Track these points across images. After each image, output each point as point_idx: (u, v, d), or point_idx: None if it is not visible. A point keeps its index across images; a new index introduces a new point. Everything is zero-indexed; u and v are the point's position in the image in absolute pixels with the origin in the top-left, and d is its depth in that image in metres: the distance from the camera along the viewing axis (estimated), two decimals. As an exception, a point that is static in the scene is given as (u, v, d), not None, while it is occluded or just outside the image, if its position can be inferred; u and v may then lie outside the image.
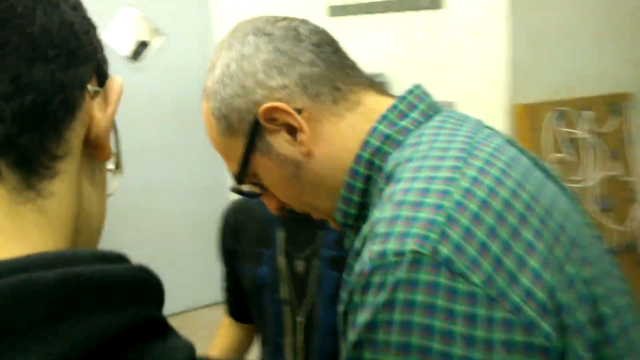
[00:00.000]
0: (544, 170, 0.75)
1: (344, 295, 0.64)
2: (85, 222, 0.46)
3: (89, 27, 0.47)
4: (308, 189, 0.77)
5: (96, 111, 0.46)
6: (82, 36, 0.45)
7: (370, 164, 0.72)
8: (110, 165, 0.52)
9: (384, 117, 0.73)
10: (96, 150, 0.47)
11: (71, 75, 0.43)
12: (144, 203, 3.40)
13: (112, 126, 0.48)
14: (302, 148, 0.74)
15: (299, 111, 0.73)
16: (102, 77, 0.48)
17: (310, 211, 0.83)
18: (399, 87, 2.72)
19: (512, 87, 2.23)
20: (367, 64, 2.76)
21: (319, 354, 1.16)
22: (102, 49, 0.49)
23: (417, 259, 0.57)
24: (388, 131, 0.72)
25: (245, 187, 0.82)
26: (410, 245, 0.58)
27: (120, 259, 0.40)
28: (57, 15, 0.43)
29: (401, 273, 0.57)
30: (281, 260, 1.16)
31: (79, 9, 0.46)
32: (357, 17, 2.81)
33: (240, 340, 1.37)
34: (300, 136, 0.74)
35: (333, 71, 0.75)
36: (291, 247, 1.16)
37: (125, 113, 3.27)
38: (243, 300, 1.27)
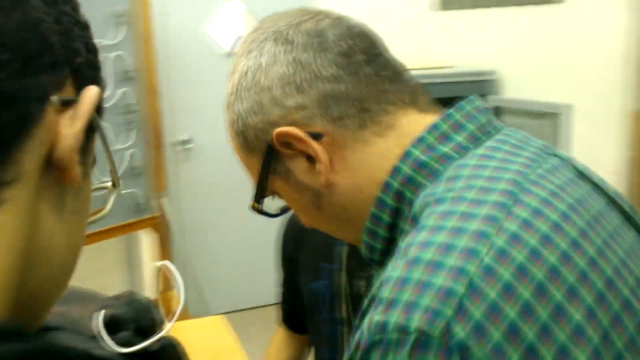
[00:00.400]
0: (625, 212, 0.59)
1: None
2: (42, 260, 0.39)
3: (69, 26, 0.39)
4: (330, 219, 0.68)
5: (63, 127, 0.38)
6: (52, 37, 0.37)
7: (399, 195, 0.60)
8: (106, 183, 0.45)
9: (420, 140, 0.60)
10: (62, 173, 0.39)
11: (28, 85, 0.36)
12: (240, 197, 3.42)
13: (95, 141, 0.41)
14: (320, 178, 0.63)
15: (319, 136, 0.62)
16: (84, 85, 0.40)
17: (336, 237, 0.73)
18: (511, 86, 2.54)
19: (638, 91, 2.00)
20: (478, 60, 2.61)
21: None
22: (93, 51, 0.42)
23: (423, 341, 0.45)
24: (423, 157, 0.59)
25: (266, 205, 0.72)
26: (417, 321, 0.46)
27: (14, 335, 0.32)
28: (20, 12, 0.36)
29: (402, 356, 0.46)
30: (342, 277, 1.06)
31: (59, 4, 0.39)
32: (470, 11, 2.65)
33: (294, 354, 1.29)
34: (318, 166, 0.63)
35: (363, 88, 0.62)
36: (353, 264, 1.05)
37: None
38: (299, 311, 1.19)
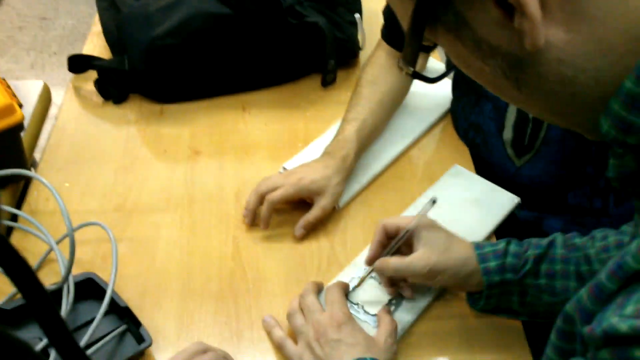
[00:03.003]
0: None
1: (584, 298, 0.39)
2: None
3: None
4: (535, 97, 0.43)
5: None
6: None
7: None
8: None
9: None
10: None
11: None
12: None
13: None
14: (525, 39, 0.38)
15: None
16: None
17: (542, 120, 0.52)
18: None
19: None
20: None
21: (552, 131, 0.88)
22: None
23: None
24: None
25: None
26: None
27: None
28: None
29: None
30: None
31: None
32: None
33: (396, 84, 1.03)
34: (523, 21, 0.38)
35: None
36: None
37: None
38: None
